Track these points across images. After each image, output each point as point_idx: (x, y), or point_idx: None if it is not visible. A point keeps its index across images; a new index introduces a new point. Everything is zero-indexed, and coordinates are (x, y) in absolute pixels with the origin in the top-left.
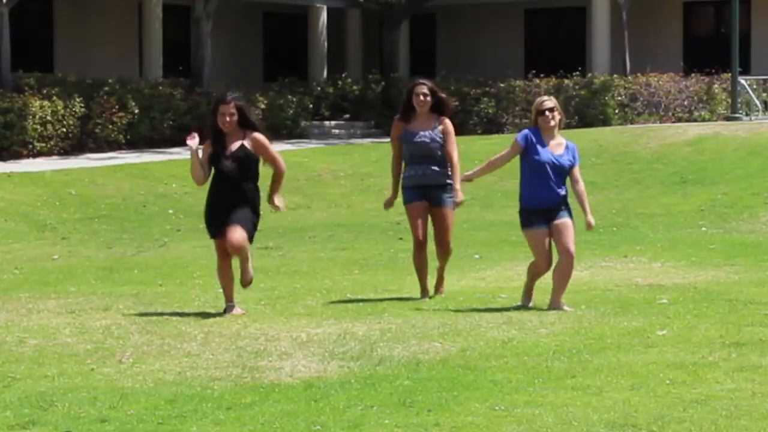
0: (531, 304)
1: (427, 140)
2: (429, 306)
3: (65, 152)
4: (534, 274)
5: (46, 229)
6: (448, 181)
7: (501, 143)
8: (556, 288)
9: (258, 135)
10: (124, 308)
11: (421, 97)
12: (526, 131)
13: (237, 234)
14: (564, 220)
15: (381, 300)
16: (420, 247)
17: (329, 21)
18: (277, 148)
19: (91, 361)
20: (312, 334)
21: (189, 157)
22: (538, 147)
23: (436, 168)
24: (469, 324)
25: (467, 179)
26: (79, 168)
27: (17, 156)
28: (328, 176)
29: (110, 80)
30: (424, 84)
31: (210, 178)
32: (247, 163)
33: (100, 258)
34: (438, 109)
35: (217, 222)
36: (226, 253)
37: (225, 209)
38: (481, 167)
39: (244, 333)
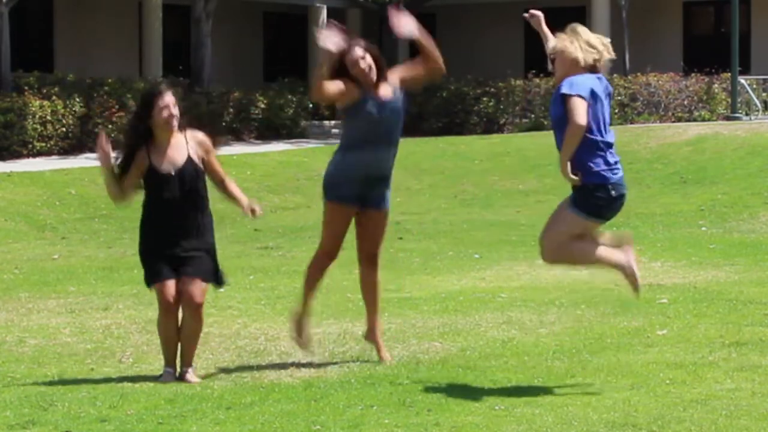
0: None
1: None
2: (429, 307)
3: (65, 152)
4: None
5: (46, 229)
6: None
7: (501, 143)
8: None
9: (202, 136)
10: (124, 308)
11: None
12: None
13: (198, 289)
14: None
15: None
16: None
17: (329, 21)
18: (277, 147)
19: (91, 361)
20: (312, 334)
21: None
22: None
23: None
24: (469, 324)
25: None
26: (79, 168)
27: (17, 156)
28: None
29: (110, 80)
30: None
31: (148, 203)
32: (197, 181)
33: (100, 258)
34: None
35: (162, 264)
36: (171, 305)
37: (173, 248)
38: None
39: (244, 333)
